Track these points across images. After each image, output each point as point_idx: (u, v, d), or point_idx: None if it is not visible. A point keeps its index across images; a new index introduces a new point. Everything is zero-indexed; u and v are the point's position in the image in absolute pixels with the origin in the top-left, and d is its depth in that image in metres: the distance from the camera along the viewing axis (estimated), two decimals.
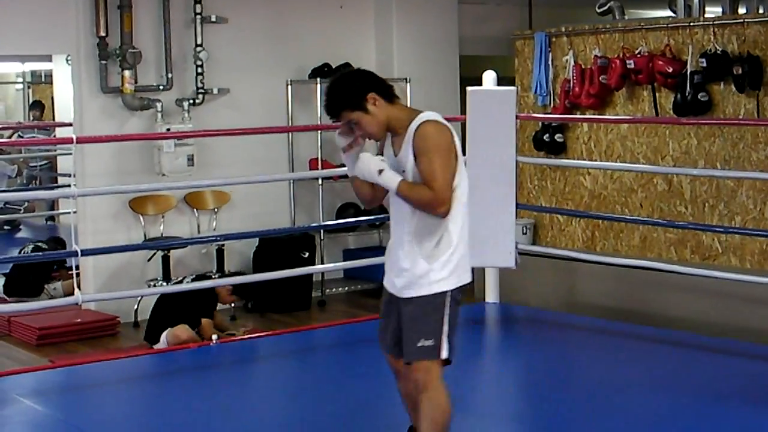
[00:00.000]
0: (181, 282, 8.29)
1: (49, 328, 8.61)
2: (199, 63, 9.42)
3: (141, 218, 9.36)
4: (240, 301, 8.53)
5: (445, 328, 4.33)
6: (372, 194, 4.54)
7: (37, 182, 15.34)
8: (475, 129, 7.65)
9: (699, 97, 8.24)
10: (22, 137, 14.56)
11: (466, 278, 4.41)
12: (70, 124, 9.87)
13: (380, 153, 4.47)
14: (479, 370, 6.87)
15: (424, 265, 4.34)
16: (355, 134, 4.40)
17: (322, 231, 9.91)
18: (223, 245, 9.52)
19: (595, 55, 8.91)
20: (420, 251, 4.35)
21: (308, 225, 10.07)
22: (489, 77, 7.79)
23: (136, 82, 9.13)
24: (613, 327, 7.77)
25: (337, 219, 9.98)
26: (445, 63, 10.78)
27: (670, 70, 8.38)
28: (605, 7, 10.09)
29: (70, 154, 11.19)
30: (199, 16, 9.45)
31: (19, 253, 10.93)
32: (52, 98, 15.64)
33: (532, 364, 6.93)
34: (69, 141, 7.53)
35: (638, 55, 8.60)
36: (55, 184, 15.13)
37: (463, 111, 7.89)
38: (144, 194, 9.26)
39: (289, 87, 9.99)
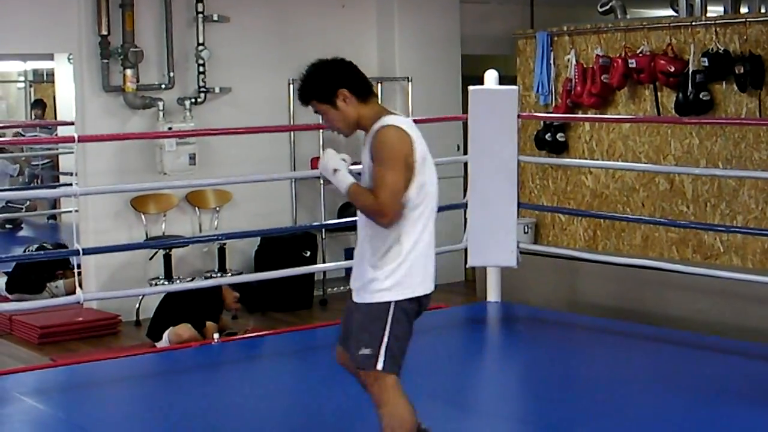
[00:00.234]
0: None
1: (51, 327, 8.61)
2: (200, 62, 9.42)
3: (143, 217, 9.36)
4: (243, 311, 8.54)
5: (385, 339, 4.22)
6: None
7: (39, 181, 15.35)
8: (476, 128, 7.65)
9: (701, 96, 8.24)
10: (23, 136, 14.58)
11: (420, 290, 4.27)
12: (72, 123, 9.87)
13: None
14: (480, 369, 6.88)
15: (371, 272, 4.27)
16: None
17: (323, 230, 9.91)
18: (224, 244, 9.52)
19: (597, 55, 8.91)
20: (370, 258, 4.28)
21: (310, 224, 10.06)
22: (491, 76, 7.79)
23: (137, 81, 9.13)
24: (615, 326, 7.77)
25: (338, 218, 9.97)
26: (447, 62, 10.78)
27: (672, 69, 8.38)
28: (607, 7, 10.08)
29: (72, 152, 11.21)
30: (200, 15, 9.45)
31: (24, 251, 10.94)
32: (54, 97, 15.64)
33: (534, 363, 6.93)
34: (71, 140, 7.55)
35: (640, 55, 8.60)
36: (57, 183, 15.13)
37: (465, 110, 7.90)
38: (146, 193, 9.26)
39: (291, 86, 9.97)
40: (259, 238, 9.57)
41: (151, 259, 9.33)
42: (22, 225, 15.09)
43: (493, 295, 8.20)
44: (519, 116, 7.74)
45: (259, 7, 9.95)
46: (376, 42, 10.66)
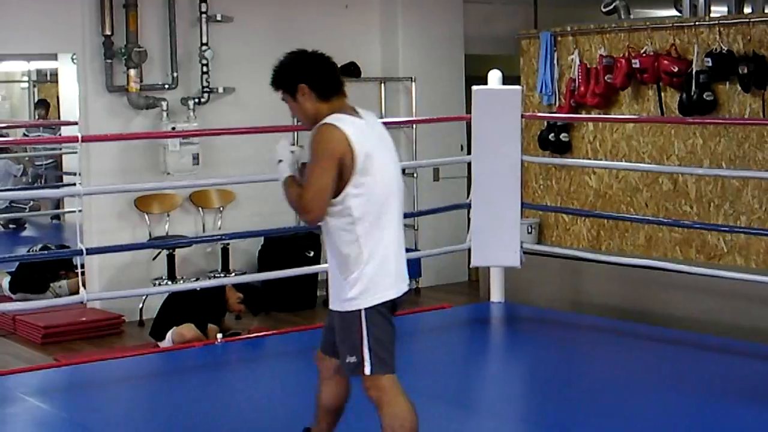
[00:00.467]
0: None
1: (54, 327, 8.61)
2: (204, 62, 9.42)
3: (146, 217, 9.36)
4: (246, 312, 8.54)
5: (366, 345, 4.20)
6: None
7: (43, 181, 15.36)
8: (480, 128, 7.66)
9: (704, 96, 8.23)
10: (27, 136, 14.59)
11: (389, 294, 4.25)
12: (76, 123, 9.87)
13: None
14: (484, 370, 6.88)
15: (339, 280, 4.28)
16: None
17: None
18: (228, 244, 9.52)
19: (601, 55, 8.91)
20: (336, 266, 4.29)
21: None
22: (494, 76, 7.79)
23: (141, 81, 9.13)
24: (618, 326, 7.77)
25: None
26: (451, 62, 10.77)
27: (676, 69, 8.37)
28: (611, 7, 10.07)
29: (76, 152, 11.23)
30: (204, 15, 9.45)
31: (28, 252, 10.95)
32: (58, 97, 15.66)
33: (538, 363, 6.93)
34: (74, 140, 7.55)
35: (644, 55, 8.59)
36: (61, 183, 15.14)
37: (469, 110, 7.90)
38: (149, 193, 9.26)
39: None
40: (262, 238, 9.58)
41: (154, 259, 9.33)
42: (26, 225, 15.11)
43: (496, 295, 8.20)
44: (522, 116, 7.75)
45: (262, 8, 9.95)
46: (380, 42, 10.66)
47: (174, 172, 9.11)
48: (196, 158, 9.24)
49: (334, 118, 4.21)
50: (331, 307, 4.36)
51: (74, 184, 10.69)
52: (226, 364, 7.02)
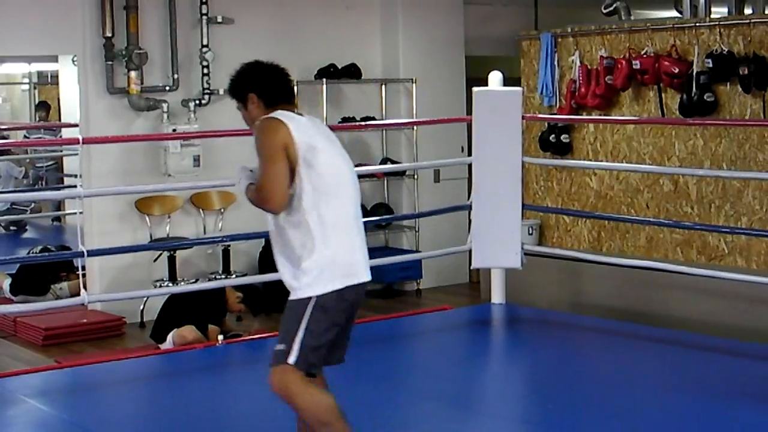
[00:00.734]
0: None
1: (55, 329, 8.62)
2: (205, 63, 9.43)
3: (147, 219, 9.37)
4: (247, 311, 8.53)
5: (300, 334, 4.22)
6: None
7: (44, 183, 15.36)
8: (481, 129, 7.66)
9: (705, 97, 8.23)
10: (28, 138, 14.59)
11: (341, 283, 4.27)
12: (77, 125, 9.89)
13: None
14: (485, 371, 6.88)
15: (291, 269, 4.32)
16: None
17: None
18: (229, 246, 9.53)
19: (601, 56, 8.91)
20: (285, 256, 4.34)
21: None
22: (495, 78, 7.79)
23: (142, 83, 9.14)
24: (619, 327, 7.76)
25: None
26: (451, 63, 10.78)
27: (676, 70, 8.38)
28: (611, 8, 10.08)
29: (77, 154, 11.23)
30: (205, 17, 9.46)
31: (28, 253, 10.95)
32: (58, 99, 15.67)
33: (538, 364, 6.92)
34: (75, 142, 7.54)
35: (644, 56, 8.60)
36: (62, 185, 15.15)
37: (469, 111, 7.90)
38: (150, 195, 9.27)
39: (295, 87, 9.93)
40: (263, 240, 9.55)
41: (155, 260, 9.34)
42: (27, 227, 15.11)
43: (497, 296, 8.19)
44: (523, 117, 7.74)
45: (263, 9, 9.96)
46: (381, 44, 10.67)
47: (175, 173, 9.12)
48: (196, 160, 9.25)
49: (277, 113, 4.32)
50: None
51: (75, 186, 10.70)
52: (227, 365, 7.02)
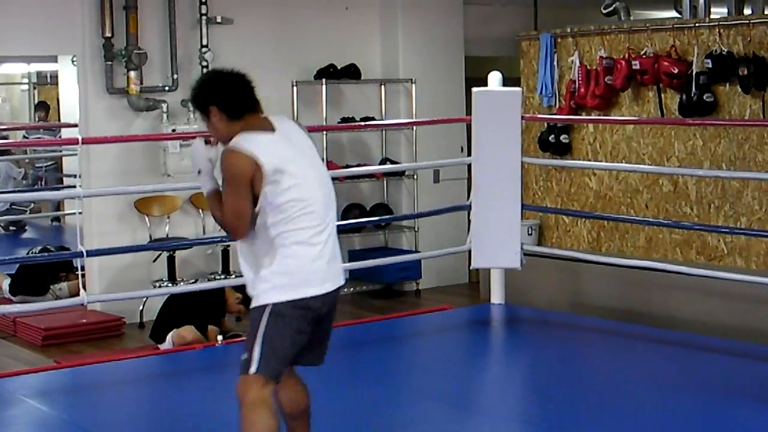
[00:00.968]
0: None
1: (55, 329, 8.62)
2: (204, 64, 9.42)
3: (146, 219, 9.37)
4: (246, 312, 8.53)
5: (258, 342, 4.19)
6: None
7: (43, 183, 15.36)
8: (480, 130, 7.66)
9: (704, 97, 8.23)
10: (27, 138, 14.59)
11: (297, 293, 4.22)
12: (76, 125, 9.88)
13: None
14: (485, 371, 6.88)
15: (251, 276, 4.32)
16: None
17: None
18: (228, 246, 9.51)
19: (601, 56, 8.91)
20: (248, 263, 4.35)
21: None
22: (494, 78, 7.79)
23: (141, 83, 9.14)
24: (619, 328, 7.77)
25: (342, 220, 9.97)
26: (451, 64, 10.78)
27: (676, 71, 8.38)
28: (611, 8, 10.08)
29: (76, 154, 11.22)
30: (204, 17, 9.45)
31: (28, 254, 10.95)
32: (58, 99, 15.66)
33: (538, 364, 6.93)
34: (74, 142, 7.54)
35: (644, 56, 8.60)
36: (61, 185, 15.15)
37: (469, 112, 7.90)
38: (149, 195, 9.27)
39: (295, 88, 10.00)
40: None
41: (154, 261, 9.34)
42: (26, 227, 15.11)
43: (497, 296, 8.20)
44: (522, 118, 7.74)
45: (262, 10, 9.96)
46: (380, 44, 10.67)
47: (174, 174, 9.11)
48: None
49: (238, 141, 4.25)
50: None
51: (74, 186, 10.69)
52: (227, 365, 6.98)
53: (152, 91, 9.26)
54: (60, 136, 14.26)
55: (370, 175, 10.27)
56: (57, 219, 15.16)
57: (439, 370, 6.74)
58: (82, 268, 7.18)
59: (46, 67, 16.68)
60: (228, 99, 4.32)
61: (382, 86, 10.56)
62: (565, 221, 9.47)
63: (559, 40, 9.34)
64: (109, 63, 9.05)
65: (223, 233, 9.51)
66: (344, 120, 10.24)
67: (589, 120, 9.11)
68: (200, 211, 9.66)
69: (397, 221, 10.65)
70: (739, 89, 8.11)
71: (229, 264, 9.56)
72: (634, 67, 8.61)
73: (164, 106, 9.21)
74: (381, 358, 6.94)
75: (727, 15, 9.38)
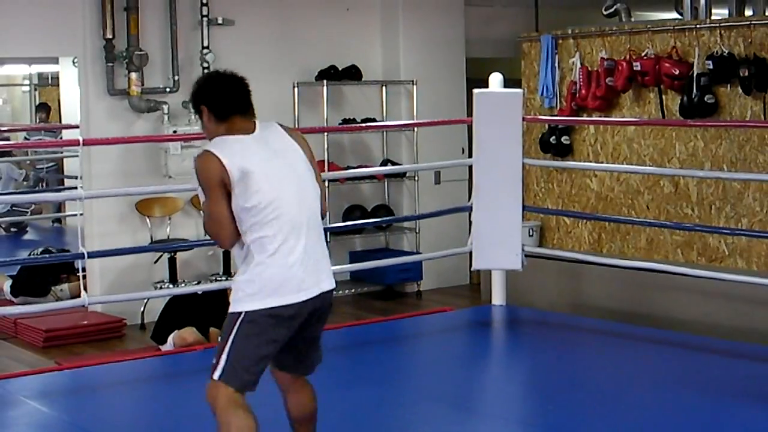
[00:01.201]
0: None
1: (56, 330, 8.62)
2: (205, 65, 9.43)
3: (147, 220, 9.37)
4: None
5: (227, 349, 4.17)
6: None
7: (44, 184, 15.35)
8: (481, 131, 7.66)
9: (705, 99, 8.23)
10: (28, 139, 14.58)
11: (273, 302, 4.16)
12: (77, 127, 9.88)
13: None
14: (486, 372, 6.88)
15: (234, 282, 4.31)
16: None
17: (328, 233, 9.90)
18: None
19: (602, 57, 8.91)
20: (236, 268, 4.35)
21: None
22: (495, 79, 7.79)
23: (142, 85, 9.14)
24: (620, 329, 7.76)
25: (343, 221, 9.99)
26: (452, 65, 10.78)
27: (677, 72, 8.38)
28: (612, 9, 10.08)
29: (77, 156, 11.23)
30: (205, 19, 9.46)
31: (29, 255, 10.95)
32: (59, 100, 15.66)
33: (539, 366, 6.92)
34: (76, 143, 7.55)
35: (645, 57, 8.60)
36: (62, 186, 15.14)
37: (470, 113, 7.90)
38: (151, 196, 9.28)
39: (296, 89, 10.00)
40: None
41: (155, 262, 9.34)
42: (27, 228, 15.10)
43: (498, 298, 8.19)
44: (524, 119, 7.74)
45: (263, 11, 9.96)
46: (381, 45, 10.67)
47: (175, 175, 9.11)
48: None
49: (211, 144, 4.27)
50: None
51: (75, 188, 10.69)
52: None
53: (153, 93, 9.26)
54: (61, 138, 14.25)
55: (371, 177, 10.28)
56: (58, 220, 15.15)
57: (440, 372, 6.74)
58: (83, 270, 7.18)
59: (47, 68, 16.67)
60: (216, 100, 4.33)
61: (383, 87, 10.56)
62: (566, 222, 9.47)
63: (560, 41, 9.34)
64: (110, 64, 9.06)
65: None
66: (345, 121, 10.24)
67: (590, 121, 9.11)
68: (201, 212, 9.64)
69: (398, 222, 10.65)
70: (740, 90, 8.11)
71: (230, 265, 9.55)
72: (635, 68, 8.61)
73: (165, 107, 9.21)
74: (382, 360, 6.94)
75: (728, 16, 9.38)
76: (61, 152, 14.54)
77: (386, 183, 10.65)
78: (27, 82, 17.90)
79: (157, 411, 6.05)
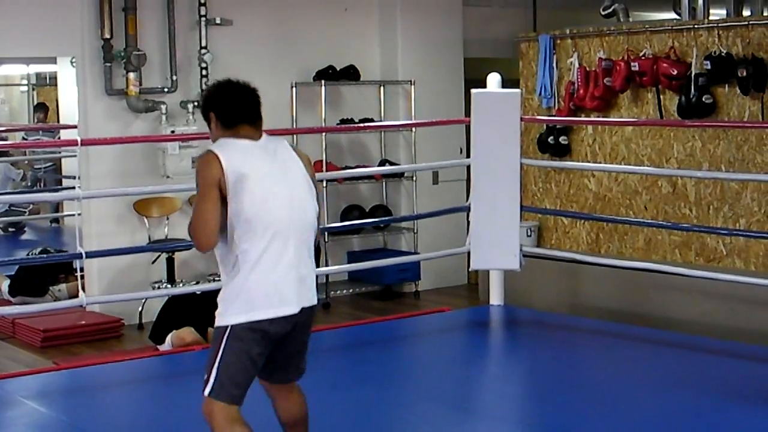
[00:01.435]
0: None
1: (54, 330, 8.62)
2: (203, 65, 9.42)
3: (145, 220, 9.37)
4: None
5: (216, 365, 4.16)
6: None
7: (42, 184, 15.35)
8: (479, 131, 7.66)
9: (703, 99, 8.24)
10: (26, 139, 14.58)
11: (259, 315, 4.15)
12: (75, 127, 9.87)
13: None
14: (484, 372, 6.88)
15: (221, 295, 4.28)
16: None
17: (326, 233, 9.91)
18: None
19: (600, 58, 8.91)
20: (222, 279, 4.32)
21: None
22: (493, 80, 7.79)
23: (140, 85, 9.14)
24: (618, 329, 7.77)
25: (341, 221, 9.99)
26: (450, 65, 10.78)
27: (675, 72, 8.38)
28: (609, 10, 10.08)
29: (75, 156, 11.22)
30: (203, 19, 9.46)
31: (27, 255, 10.95)
32: (57, 100, 15.64)
33: (537, 366, 6.93)
34: (74, 143, 7.54)
35: (642, 58, 8.60)
36: (60, 186, 15.14)
37: (468, 113, 7.91)
38: (148, 196, 9.27)
39: (294, 89, 10.00)
40: None
41: (153, 262, 9.34)
42: (25, 228, 15.10)
43: (496, 298, 8.20)
44: (522, 119, 7.75)
45: (261, 11, 9.96)
46: (379, 45, 10.67)
47: (173, 175, 9.11)
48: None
49: (214, 144, 4.25)
50: None
51: (73, 188, 10.68)
52: None
53: (151, 93, 9.26)
54: (59, 138, 14.24)
55: (369, 177, 10.28)
56: (56, 220, 15.14)
57: (438, 372, 6.74)
58: (81, 270, 7.19)
59: (46, 68, 16.67)
60: (224, 107, 4.31)
61: (381, 87, 10.56)
62: (564, 223, 9.47)
63: (558, 41, 9.34)
64: (108, 64, 9.05)
65: None
66: (343, 121, 10.24)
67: (588, 121, 9.11)
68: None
69: (396, 223, 10.65)
70: (738, 91, 8.11)
71: None
72: (633, 68, 8.62)
73: (163, 107, 9.21)
74: (380, 360, 6.94)
75: (726, 16, 9.39)
76: (59, 152, 14.54)
77: (384, 183, 10.65)
78: (25, 82, 17.90)
79: (155, 411, 6.05)
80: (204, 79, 9.43)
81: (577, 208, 9.28)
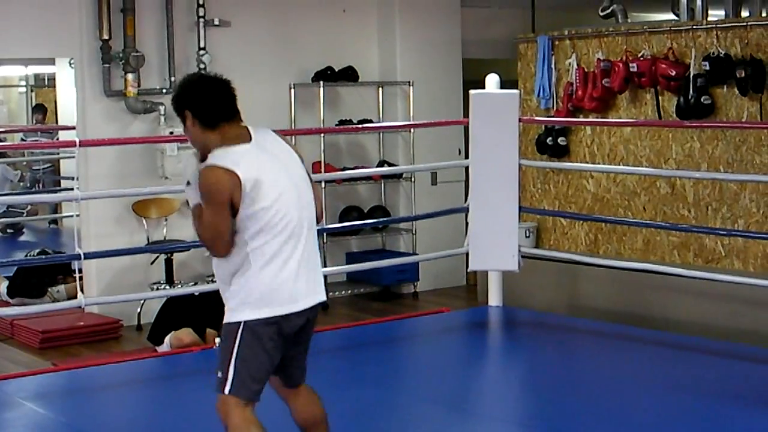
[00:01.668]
0: None
1: (52, 332, 8.61)
2: (202, 66, 9.42)
3: (144, 221, 9.37)
4: None
5: (233, 362, 4.13)
6: None
7: (40, 185, 15.35)
8: (478, 132, 7.66)
9: (702, 100, 8.24)
10: (25, 140, 14.58)
11: (269, 312, 4.13)
12: (73, 128, 9.88)
13: None
14: (482, 374, 6.88)
15: (225, 290, 4.24)
16: None
17: (325, 234, 9.91)
18: None
19: (598, 59, 8.92)
20: (222, 276, 4.25)
21: None
22: (492, 80, 7.79)
23: (139, 86, 9.14)
24: (616, 330, 7.77)
25: (340, 222, 9.98)
26: (448, 66, 10.78)
27: (673, 73, 8.38)
28: (608, 11, 10.09)
29: (73, 157, 11.22)
30: (202, 20, 9.45)
31: (25, 256, 10.95)
32: (55, 101, 15.65)
33: (535, 367, 6.93)
34: (72, 144, 7.54)
35: (641, 59, 8.60)
36: (58, 188, 15.14)
37: (466, 114, 7.91)
38: (147, 197, 9.27)
39: (292, 90, 10.00)
40: None
41: (152, 263, 9.34)
42: (24, 230, 15.10)
43: (494, 299, 8.20)
44: (520, 120, 7.75)
45: (260, 12, 9.96)
46: (378, 46, 10.67)
47: (172, 176, 9.10)
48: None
49: (216, 157, 4.12)
50: None
51: (72, 189, 10.68)
52: None
53: (150, 94, 9.26)
54: (57, 139, 14.26)
55: (368, 178, 10.28)
56: (54, 221, 15.14)
57: (437, 373, 6.73)
58: (80, 271, 7.20)
59: (44, 69, 16.67)
60: (202, 106, 4.18)
61: (380, 88, 10.56)
62: (563, 223, 9.47)
63: (556, 42, 9.34)
64: (107, 65, 9.05)
65: None
66: (342, 122, 10.24)
67: (586, 122, 9.11)
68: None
69: (395, 224, 10.65)
70: (737, 91, 8.12)
71: None
72: (631, 69, 8.62)
73: (162, 108, 9.20)
74: (378, 361, 6.94)
75: (724, 17, 9.38)
76: (58, 153, 14.54)
77: (383, 184, 10.65)
78: (23, 83, 17.90)
79: (153, 412, 6.05)
80: None
81: (576, 208, 9.28)
